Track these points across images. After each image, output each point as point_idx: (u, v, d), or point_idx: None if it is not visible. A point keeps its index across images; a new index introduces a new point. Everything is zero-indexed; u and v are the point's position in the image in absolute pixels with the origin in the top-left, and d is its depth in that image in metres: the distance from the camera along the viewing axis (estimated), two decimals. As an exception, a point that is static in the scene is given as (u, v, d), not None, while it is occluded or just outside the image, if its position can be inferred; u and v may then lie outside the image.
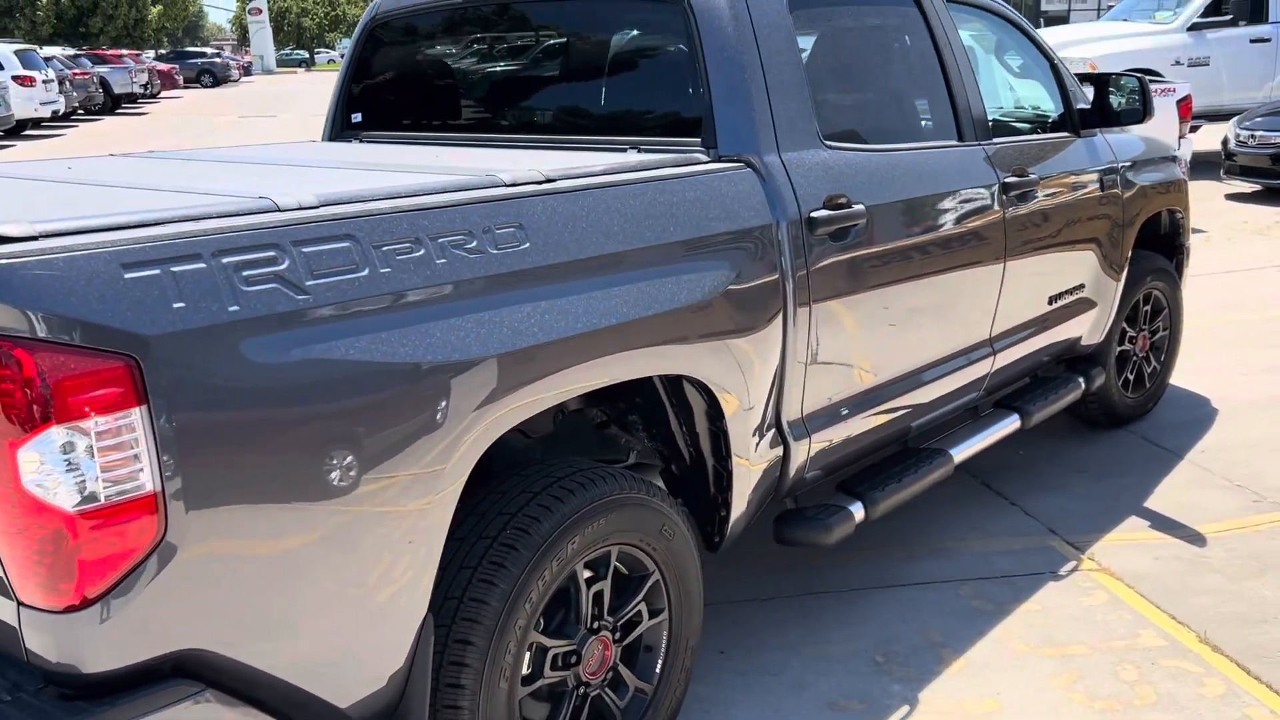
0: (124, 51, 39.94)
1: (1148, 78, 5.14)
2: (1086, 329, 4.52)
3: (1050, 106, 4.43)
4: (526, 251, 2.30)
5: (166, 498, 1.77)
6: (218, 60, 53.19)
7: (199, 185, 2.45)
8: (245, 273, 1.87)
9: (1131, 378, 5.05)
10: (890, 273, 3.24)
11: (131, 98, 34.02)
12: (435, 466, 2.11)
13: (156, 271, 1.78)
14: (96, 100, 30.07)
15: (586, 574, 2.57)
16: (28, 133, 23.88)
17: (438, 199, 2.22)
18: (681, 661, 2.82)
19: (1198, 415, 5.22)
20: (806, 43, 3.43)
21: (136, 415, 1.73)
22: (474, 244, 2.21)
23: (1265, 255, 8.72)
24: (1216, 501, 4.29)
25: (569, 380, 2.36)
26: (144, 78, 35.42)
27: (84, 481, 1.72)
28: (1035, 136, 4.28)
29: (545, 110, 3.62)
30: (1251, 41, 13.04)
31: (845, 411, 3.22)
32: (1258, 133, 10.98)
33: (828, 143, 3.12)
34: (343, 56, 4.09)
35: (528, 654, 2.44)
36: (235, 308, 1.84)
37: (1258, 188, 11.39)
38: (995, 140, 3.84)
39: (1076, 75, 4.61)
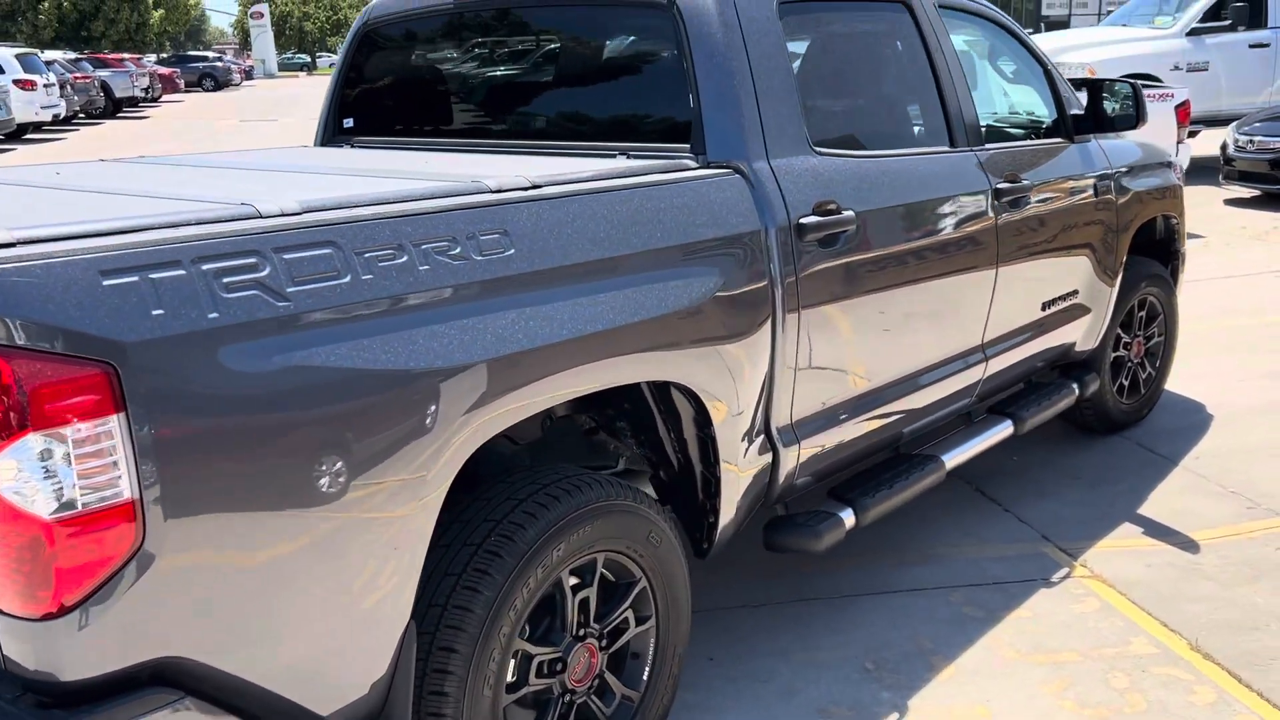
0: (125, 55, 39.96)
1: (1143, 83, 5.14)
2: (1080, 335, 4.51)
3: (1044, 112, 4.43)
4: (511, 258, 2.29)
5: (145, 505, 1.77)
6: (219, 64, 53.29)
7: (185, 191, 2.45)
8: (225, 279, 1.87)
9: (1126, 383, 5.04)
10: (880, 279, 3.24)
11: (133, 101, 34.09)
12: (418, 474, 2.11)
13: (135, 278, 1.77)
14: (97, 104, 30.13)
15: (573, 581, 2.56)
16: (28, 136, 23.91)
17: (421, 205, 2.22)
18: (669, 669, 2.81)
19: (1193, 421, 5.22)
20: (798, 48, 3.43)
21: (115, 422, 1.73)
22: (458, 250, 2.20)
23: (1263, 260, 8.71)
24: (1210, 508, 4.28)
25: (553, 387, 2.36)
26: (145, 81, 35.49)
27: (61, 489, 1.71)
28: (1028, 142, 4.27)
29: (536, 116, 3.61)
30: (1250, 47, 13.05)
31: (835, 417, 3.22)
32: (1256, 138, 10.97)
33: (817, 149, 3.11)
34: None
35: (512, 661, 2.44)
36: (215, 315, 1.84)
37: (1256, 193, 11.39)
38: (988, 146, 3.83)
39: (1077, 80, 4.60)
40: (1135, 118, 4.34)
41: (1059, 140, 4.34)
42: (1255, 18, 13.03)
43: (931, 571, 3.84)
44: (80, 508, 1.72)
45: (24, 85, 22.86)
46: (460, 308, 2.17)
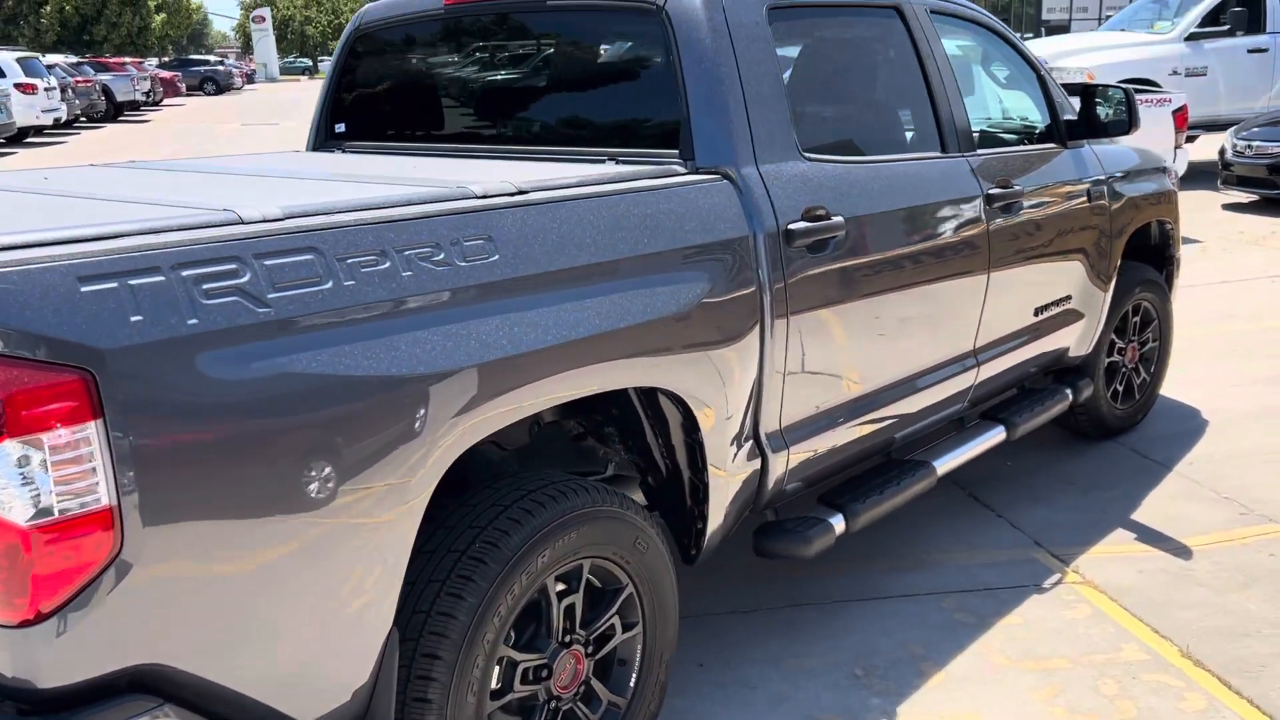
0: (126, 59, 40.03)
1: (1142, 88, 5.13)
2: (1074, 340, 4.50)
3: (1036, 117, 4.43)
4: (496, 264, 2.29)
5: (123, 512, 1.76)
6: (221, 68, 53.39)
7: (170, 197, 2.44)
8: (205, 285, 1.86)
9: (1120, 389, 5.04)
10: (870, 285, 3.23)
11: (134, 105, 34.12)
12: (401, 480, 2.10)
13: (114, 285, 1.77)
14: (99, 108, 30.16)
15: (558, 587, 2.55)
16: (30, 140, 23.94)
17: (404, 211, 2.21)
18: (656, 675, 2.80)
19: (1188, 427, 5.21)
20: (788, 54, 3.43)
21: (92, 429, 1.72)
22: (441, 256, 2.20)
23: (1261, 265, 8.71)
24: (1204, 514, 4.27)
25: (538, 393, 2.35)
26: (146, 85, 35.53)
27: (38, 495, 1.71)
28: (1021, 148, 4.26)
29: (526, 121, 3.61)
30: (1249, 52, 13.05)
31: (825, 423, 3.21)
32: (1255, 143, 10.97)
33: (807, 154, 3.11)
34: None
35: (497, 668, 2.43)
36: (194, 321, 1.83)
37: (1254, 198, 11.38)
38: (980, 152, 3.83)
39: (1070, 85, 4.60)
40: (1128, 123, 4.34)
41: (1052, 145, 4.33)
42: (1254, 23, 13.04)
43: (923, 577, 3.84)
44: (58, 514, 1.72)
45: (25, 89, 22.90)
46: (443, 313, 2.17)
